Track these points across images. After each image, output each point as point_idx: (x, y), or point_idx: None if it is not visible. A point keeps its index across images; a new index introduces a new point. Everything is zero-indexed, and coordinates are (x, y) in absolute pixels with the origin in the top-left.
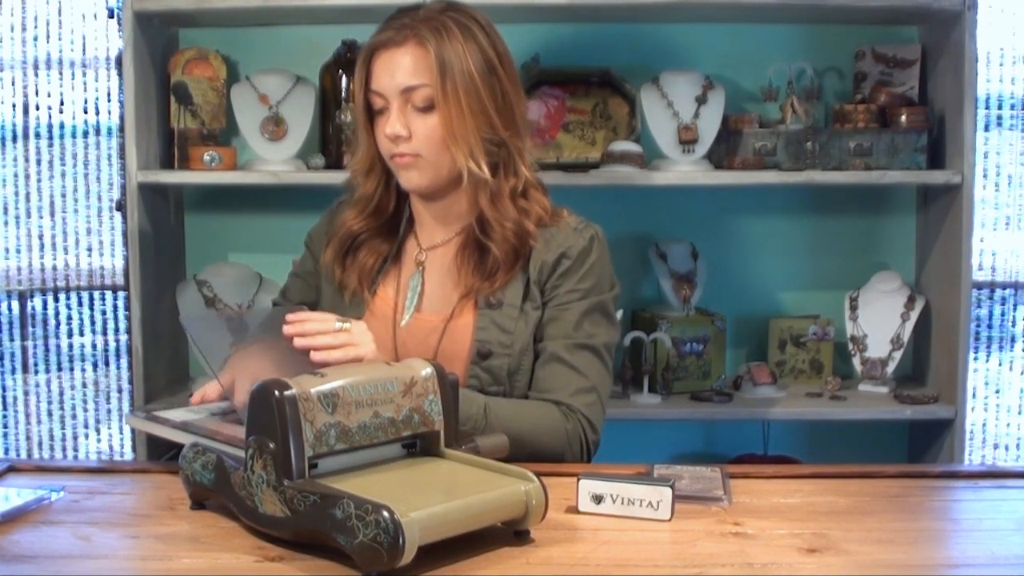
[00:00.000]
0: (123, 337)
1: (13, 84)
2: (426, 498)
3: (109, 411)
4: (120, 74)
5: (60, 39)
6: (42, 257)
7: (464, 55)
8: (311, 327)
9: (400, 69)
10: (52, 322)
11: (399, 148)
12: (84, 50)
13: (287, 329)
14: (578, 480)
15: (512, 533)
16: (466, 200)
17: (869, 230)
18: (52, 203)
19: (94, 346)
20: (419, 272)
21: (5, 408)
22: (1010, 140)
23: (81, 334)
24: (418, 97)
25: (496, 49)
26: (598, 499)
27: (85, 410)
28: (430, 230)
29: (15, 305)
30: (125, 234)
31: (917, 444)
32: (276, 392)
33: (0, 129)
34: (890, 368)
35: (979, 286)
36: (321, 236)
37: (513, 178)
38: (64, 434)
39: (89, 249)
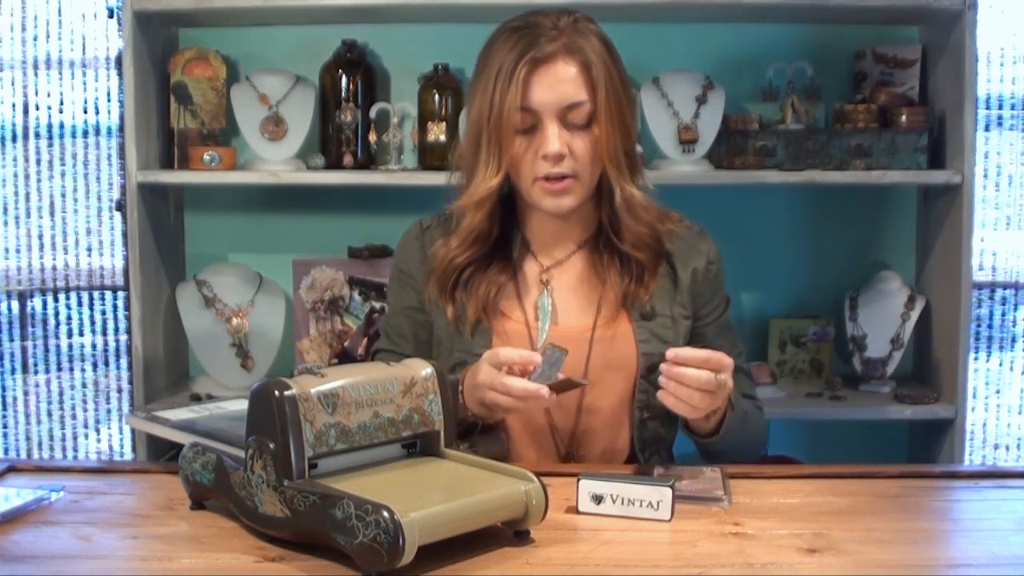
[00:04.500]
0: (123, 337)
1: (13, 84)
2: (426, 498)
3: (109, 411)
4: (120, 74)
5: (60, 39)
6: (42, 257)
7: (611, 67)
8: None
9: (563, 85)
10: (52, 322)
11: (557, 168)
12: (84, 50)
13: (668, 376)
14: (578, 480)
15: (512, 533)
16: (587, 213)
17: (869, 230)
18: (52, 203)
19: (94, 346)
20: (547, 292)
21: (5, 408)
22: (1010, 140)
23: (81, 334)
24: (578, 114)
25: (619, 54)
26: (598, 499)
27: (85, 410)
28: (550, 248)
29: (15, 305)
30: (125, 234)
31: (917, 444)
32: (276, 392)
33: (0, 129)
34: (890, 368)
35: (979, 286)
36: (418, 267)
37: (641, 181)
38: (64, 434)
39: (89, 249)
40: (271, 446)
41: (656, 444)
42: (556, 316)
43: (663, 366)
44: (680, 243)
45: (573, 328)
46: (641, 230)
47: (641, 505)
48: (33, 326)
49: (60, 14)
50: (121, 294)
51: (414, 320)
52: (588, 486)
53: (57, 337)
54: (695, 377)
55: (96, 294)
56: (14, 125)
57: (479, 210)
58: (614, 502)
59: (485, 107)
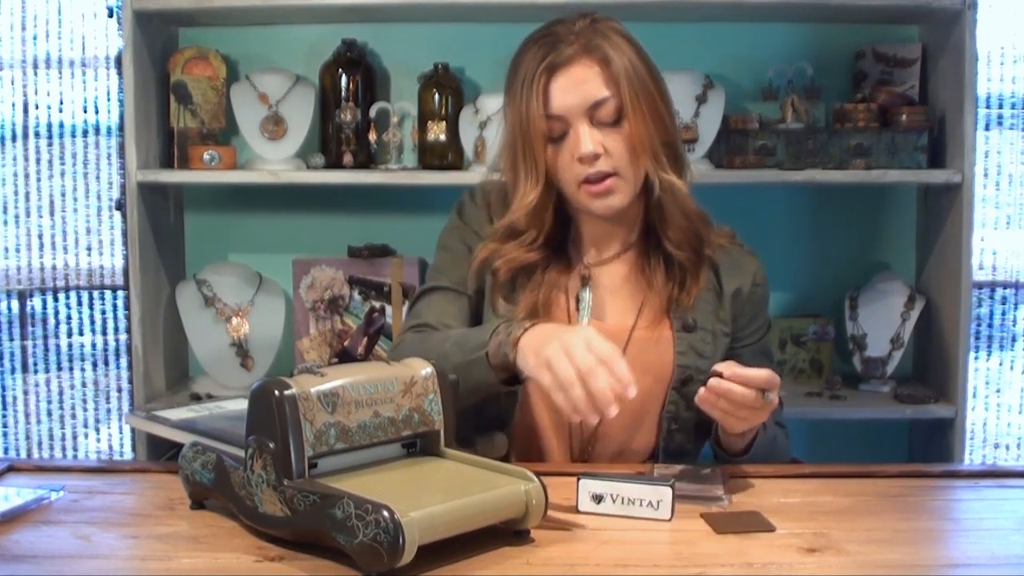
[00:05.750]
0: (123, 337)
1: (13, 84)
2: (426, 498)
3: (109, 411)
4: (120, 73)
5: (60, 39)
6: (42, 257)
7: (634, 60)
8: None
9: (585, 84)
10: (52, 322)
11: (595, 168)
12: (84, 50)
13: (715, 391)
14: (578, 480)
15: (512, 533)
16: (633, 214)
17: (869, 230)
18: (52, 203)
19: (94, 346)
20: (588, 287)
21: (5, 408)
22: (1010, 139)
23: (81, 334)
24: (605, 112)
25: (645, 50)
26: (598, 499)
27: (85, 410)
28: (597, 247)
29: (15, 305)
30: (125, 234)
31: (917, 444)
32: (276, 392)
33: (0, 128)
34: (890, 368)
35: (979, 286)
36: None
37: (688, 174)
38: (64, 434)
39: (89, 249)
40: (271, 446)
41: (681, 457)
42: (599, 312)
43: (713, 380)
44: (726, 257)
45: (613, 326)
46: (685, 224)
47: (641, 505)
48: (33, 326)
49: (60, 14)
50: (121, 294)
51: (471, 304)
52: (588, 486)
53: (57, 337)
54: (742, 395)
55: (96, 294)
56: (14, 125)
57: (536, 218)
58: (614, 502)
59: (515, 120)
